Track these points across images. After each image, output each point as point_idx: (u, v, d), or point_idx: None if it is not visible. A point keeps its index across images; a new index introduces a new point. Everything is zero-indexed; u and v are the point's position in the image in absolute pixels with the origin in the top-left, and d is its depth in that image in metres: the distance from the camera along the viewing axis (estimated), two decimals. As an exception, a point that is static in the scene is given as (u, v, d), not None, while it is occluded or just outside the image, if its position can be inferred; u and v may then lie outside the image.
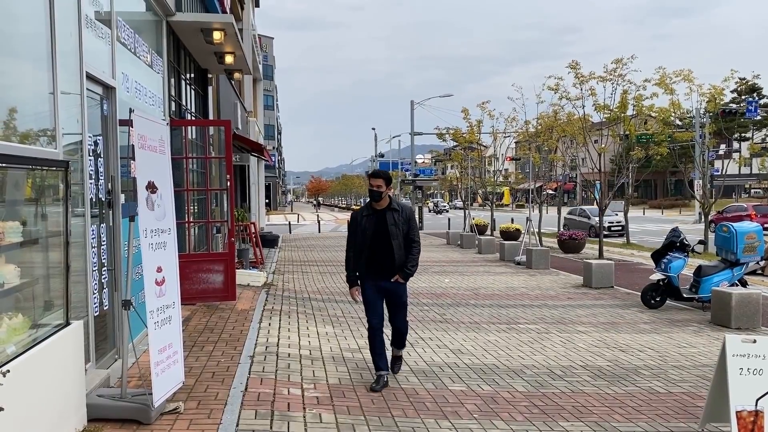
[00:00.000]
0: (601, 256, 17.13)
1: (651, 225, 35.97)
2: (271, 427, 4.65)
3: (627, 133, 18.17)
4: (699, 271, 10.41)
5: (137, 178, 4.43)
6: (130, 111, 4.47)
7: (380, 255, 5.89)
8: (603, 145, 17.70)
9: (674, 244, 10.63)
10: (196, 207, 11.33)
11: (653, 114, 18.99)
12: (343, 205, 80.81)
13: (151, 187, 4.61)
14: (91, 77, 5.48)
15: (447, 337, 8.21)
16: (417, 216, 34.25)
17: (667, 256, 10.52)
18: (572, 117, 19.04)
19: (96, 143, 5.67)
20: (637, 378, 6.49)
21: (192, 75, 11.86)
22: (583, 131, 18.14)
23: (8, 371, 2.83)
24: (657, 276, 10.52)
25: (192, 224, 10.04)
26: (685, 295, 10.37)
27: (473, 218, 25.67)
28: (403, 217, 5.97)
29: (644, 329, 8.89)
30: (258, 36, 32.80)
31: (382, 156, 67.95)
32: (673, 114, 19.21)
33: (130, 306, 4.74)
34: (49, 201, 4.51)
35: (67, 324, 4.25)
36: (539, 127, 22.57)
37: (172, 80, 9.60)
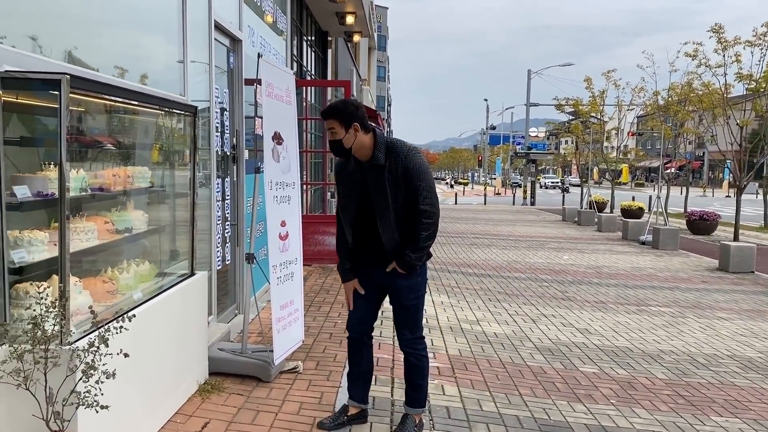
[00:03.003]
0: (736, 238, 15.72)
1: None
2: (392, 395, 4.41)
3: (772, 107, 16.40)
4: None
5: (264, 126, 4.24)
6: (259, 56, 4.28)
7: (370, 231, 3.61)
8: (745, 119, 16.09)
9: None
10: (313, 170, 11.31)
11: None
12: (448, 181, 75.19)
13: (277, 138, 4.41)
14: (219, 27, 5.37)
15: (572, 315, 7.67)
16: (529, 191, 32.76)
17: (826, 241, 9.35)
18: (710, 86, 17.41)
19: (222, 96, 5.59)
20: (797, 374, 5.72)
21: (313, 37, 11.77)
22: (724, 102, 16.58)
23: (134, 316, 2.70)
24: (812, 262, 9.38)
25: (309, 186, 9.99)
26: None
27: (591, 195, 24.38)
28: (397, 173, 3.46)
29: (798, 320, 7.93)
30: (374, 5, 32.61)
31: (493, 128, 66.39)
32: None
33: (253, 260, 4.61)
34: (177, 150, 4.43)
35: (192, 274, 4.17)
36: (669, 98, 20.92)
37: (295, 40, 9.50)
